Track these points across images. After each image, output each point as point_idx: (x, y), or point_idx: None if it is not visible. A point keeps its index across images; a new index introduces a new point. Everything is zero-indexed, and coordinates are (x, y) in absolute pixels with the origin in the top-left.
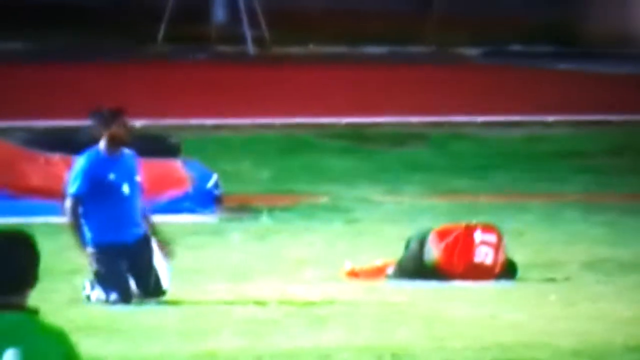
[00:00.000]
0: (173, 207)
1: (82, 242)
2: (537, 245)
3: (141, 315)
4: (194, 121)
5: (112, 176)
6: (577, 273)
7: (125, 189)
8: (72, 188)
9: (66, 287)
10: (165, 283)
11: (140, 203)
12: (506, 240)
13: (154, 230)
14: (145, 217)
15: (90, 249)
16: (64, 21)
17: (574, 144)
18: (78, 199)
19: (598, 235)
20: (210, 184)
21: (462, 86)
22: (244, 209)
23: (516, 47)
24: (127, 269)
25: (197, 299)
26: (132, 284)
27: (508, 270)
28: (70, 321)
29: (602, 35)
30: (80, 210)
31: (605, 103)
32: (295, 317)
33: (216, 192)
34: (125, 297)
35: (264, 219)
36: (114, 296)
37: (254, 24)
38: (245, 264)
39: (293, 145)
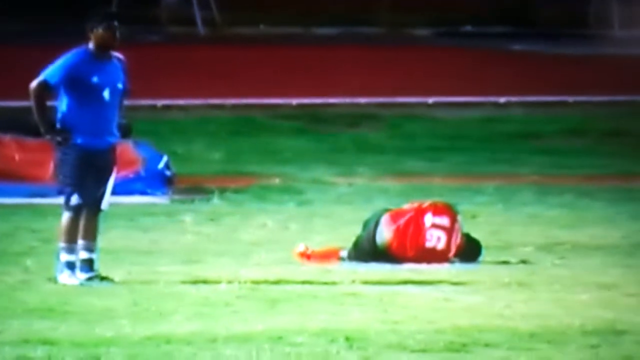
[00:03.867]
0: (124, 188)
1: (46, 126)
2: (492, 228)
3: (93, 297)
4: (144, 102)
5: (95, 79)
6: (533, 255)
7: (106, 94)
8: (44, 74)
9: (18, 269)
10: (105, 203)
11: (118, 111)
12: (462, 221)
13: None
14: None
15: (57, 132)
16: (18, 4)
17: (528, 126)
18: (47, 85)
19: (554, 217)
20: (161, 165)
21: (415, 67)
22: (195, 190)
23: (469, 28)
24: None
25: (150, 280)
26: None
27: (468, 250)
28: (22, 303)
29: (556, 16)
30: (48, 97)
31: (560, 84)
32: (249, 299)
33: (167, 173)
34: (87, 201)
35: (216, 201)
36: (75, 199)
37: (204, 5)
38: (197, 245)
39: (245, 126)
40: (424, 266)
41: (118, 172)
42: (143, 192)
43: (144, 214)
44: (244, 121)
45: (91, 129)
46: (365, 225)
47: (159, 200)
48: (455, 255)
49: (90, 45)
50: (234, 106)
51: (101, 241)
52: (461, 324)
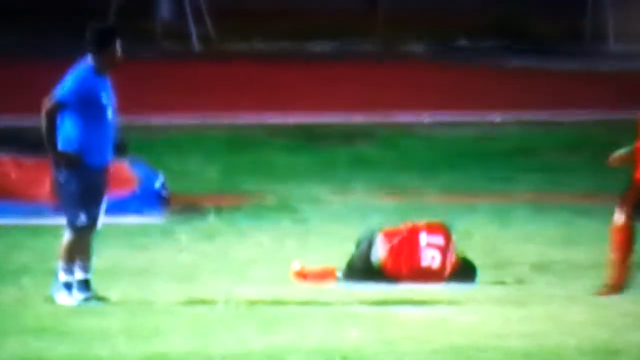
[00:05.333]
0: (120, 207)
1: (54, 147)
2: (487, 246)
3: (90, 316)
4: (140, 120)
5: (103, 97)
6: (528, 275)
7: (110, 112)
8: (58, 95)
9: (13, 287)
10: (101, 221)
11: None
12: (455, 240)
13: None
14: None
15: (68, 155)
16: (10, 20)
17: (524, 142)
18: (62, 106)
19: (549, 235)
20: (157, 184)
21: (410, 83)
22: (191, 209)
23: (463, 44)
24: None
25: (146, 299)
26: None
27: (463, 271)
28: (18, 322)
29: (552, 31)
30: (59, 118)
31: (556, 100)
32: (245, 318)
33: (163, 192)
34: (92, 222)
35: (212, 219)
36: (83, 219)
37: (199, 20)
38: (193, 264)
39: (240, 143)
40: (420, 286)
41: (114, 191)
42: (139, 211)
43: (139, 233)
44: (240, 138)
45: (99, 148)
46: (358, 244)
47: (154, 219)
48: (450, 276)
49: (93, 62)
50: (229, 123)
51: (97, 260)
52: (457, 343)
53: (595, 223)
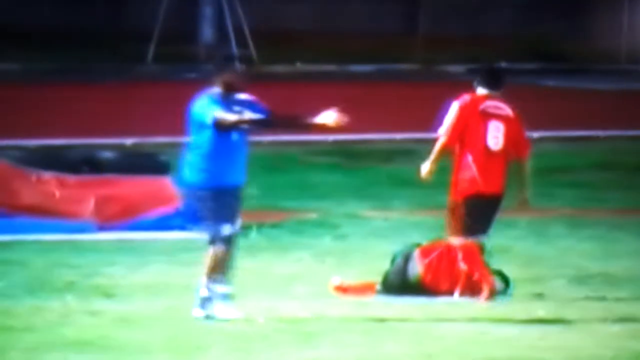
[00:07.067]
0: (163, 224)
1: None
2: (525, 261)
3: (131, 331)
4: (183, 139)
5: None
6: (566, 288)
7: (234, 135)
8: (212, 114)
9: (58, 303)
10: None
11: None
12: (494, 255)
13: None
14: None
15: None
16: (55, 43)
17: (561, 160)
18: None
19: (586, 250)
20: None
21: (448, 102)
22: None
23: (501, 64)
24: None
25: (188, 314)
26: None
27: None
28: (62, 337)
29: (587, 52)
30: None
31: (592, 119)
32: (285, 332)
33: None
34: (235, 228)
35: (253, 235)
36: (227, 228)
37: (241, 43)
38: (235, 279)
39: (281, 162)
40: (458, 299)
41: (157, 207)
42: (182, 228)
43: (183, 249)
44: (280, 157)
45: (227, 170)
46: (393, 260)
47: (197, 235)
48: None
49: (218, 88)
50: (271, 142)
51: (141, 276)
52: (495, 356)
53: (630, 237)
